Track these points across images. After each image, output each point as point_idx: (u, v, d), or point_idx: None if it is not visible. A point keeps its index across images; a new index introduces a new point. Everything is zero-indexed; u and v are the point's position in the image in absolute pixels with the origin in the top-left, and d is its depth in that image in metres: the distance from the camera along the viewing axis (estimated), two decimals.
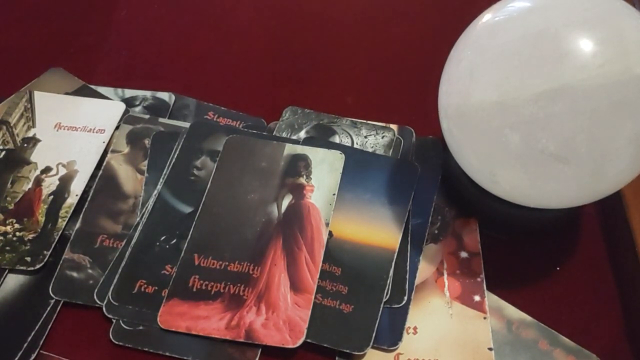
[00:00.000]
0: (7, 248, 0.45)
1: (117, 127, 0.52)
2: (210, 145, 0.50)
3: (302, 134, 0.52)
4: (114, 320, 0.42)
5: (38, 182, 0.48)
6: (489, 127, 0.38)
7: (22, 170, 0.49)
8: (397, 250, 0.45)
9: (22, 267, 0.44)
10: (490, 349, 0.42)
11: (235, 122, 0.54)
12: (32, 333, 0.42)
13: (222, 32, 0.62)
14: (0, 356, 0.41)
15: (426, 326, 0.42)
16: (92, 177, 0.49)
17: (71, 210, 0.47)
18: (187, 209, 0.47)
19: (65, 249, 0.45)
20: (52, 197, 0.47)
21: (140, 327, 0.42)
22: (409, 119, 0.53)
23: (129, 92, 0.55)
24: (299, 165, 0.49)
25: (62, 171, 0.49)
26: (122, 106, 0.53)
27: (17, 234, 0.46)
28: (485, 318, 0.43)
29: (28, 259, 0.44)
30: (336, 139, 0.52)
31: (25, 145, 0.50)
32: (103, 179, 0.49)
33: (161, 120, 0.52)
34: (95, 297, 0.43)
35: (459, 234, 0.47)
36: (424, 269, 0.45)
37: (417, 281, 0.44)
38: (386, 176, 0.48)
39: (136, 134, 0.51)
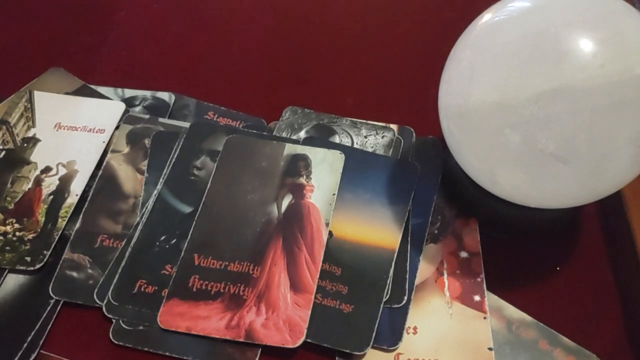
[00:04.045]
0: (7, 248, 0.45)
1: (117, 127, 0.52)
2: (210, 145, 0.50)
3: (302, 134, 0.52)
4: (114, 320, 0.42)
5: (38, 182, 0.48)
6: (489, 127, 0.38)
7: (22, 170, 0.49)
8: (397, 250, 0.45)
9: (22, 267, 0.44)
10: (490, 349, 0.42)
11: (235, 122, 0.54)
12: (32, 333, 0.42)
13: (222, 32, 0.62)
14: (0, 356, 0.41)
15: (426, 326, 0.42)
16: (92, 177, 0.49)
17: (71, 210, 0.47)
18: (187, 209, 0.47)
19: (65, 249, 0.45)
20: (52, 197, 0.47)
21: (140, 327, 0.42)
22: (409, 119, 0.53)
23: (129, 92, 0.55)
24: (299, 165, 0.49)
25: (62, 171, 0.49)
26: (122, 106, 0.53)
27: (17, 234, 0.46)
28: (485, 318, 0.43)
29: (28, 259, 0.44)
30: (336, 139, 0.52)
31: (25, 145, 0.50)
32: (103, 179, 0.49)
33: (161, 120, 0.52)
34: (95, 297, 0.43)
35: (459, 234, 0.47)
36: (424, 269, 0.45)
37: (417, 281, 0.44)
38: (386, 176, 0.48)
39: (136, 134, 0.51)
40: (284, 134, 0.52)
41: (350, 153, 0.49)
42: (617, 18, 0.36)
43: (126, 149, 0.50)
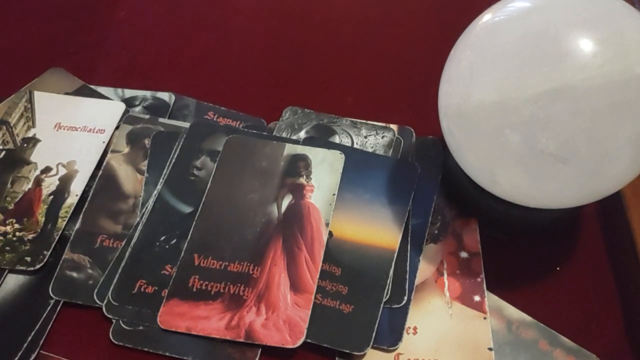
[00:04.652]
0: (7, 248, 0.45)
1: (117, 127, 0.52)
2: (210, 145, 0.50)
3: (302, 134, 0.52)
4: (114, 320, 0.42)
5: (38, 182, 0.48)
6: (489, 127, 0.38)
7: (22, 170, 0.49)
8: (397, 250, 0.45)
9: (22, 267, 0.44)
10: (490, 349, 0.42)
11: (235, 122, 0.54)
12: (32, 333, 0.42)
13: (222, 32, 0.62)
14: (0, 356, 0.41)
15: (426, 326, 0.42)
16: (92, 177, 0.49)
17: (71, 210, 0.47)
18: (187, 209, 0.47)
19: (65, 249, 0.45)
20: (52, 197, 0.47)
21: (140, 327, 0.42)
22: (409, 119, 0.53)
23: (129, 92, 0.55)
24: (299, 165, 0.49)
25: (62, 171, 0.49)
26: (122, 106, 0.53)
27: (17, 234, 0.46)
28: (485, 318, 0.43)
29: (28, 259, 0.44)
30: (336, 139, 0.52)
31: (25, 145, 0.50)
32: (103, 179, 0.49)
33: (161, 120, 0.52)
34: (95, 297, 0.43)
35: (459, 234, 0.47)
36: (424, 269, 0.45)
37: (417, 281, 0.44)
38: (386, 176, 0.48)
39: (136, 134, 0.51)
40: (284, 134, 0.52)
41: (350, 153, 0.49)
42: (617, 18, 0.36)
43: (126, 149, 0.50)
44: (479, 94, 0.38)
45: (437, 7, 0.64)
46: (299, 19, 0.63)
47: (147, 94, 0.55)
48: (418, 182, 0.48)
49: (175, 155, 0.50)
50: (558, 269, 0.46)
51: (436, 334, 0.42)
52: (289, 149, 0.50)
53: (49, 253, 0.45)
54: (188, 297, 0.42)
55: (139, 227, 0.46)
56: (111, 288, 0.43)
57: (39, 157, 0.50)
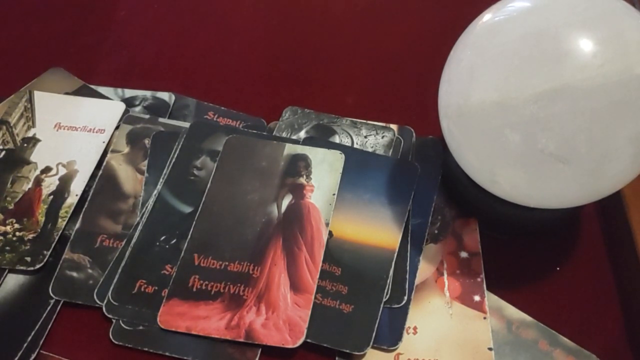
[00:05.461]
0: (7, 248, 0.45)
1: (117, 127, 0.52)
2: (210, 145, 0.50)
3: (302, 134, 0.52)
4: (114, 320, 0.42)
5: (38, 182, 0.48)
6: (489, 127, 0.38)
7: (22, 170, 0.49)
8: (397, 250, 0.45)
9: (22, 267, 0.44)
10: (490, 349, 0.42)
11: (235, 122, 0.54)
12: (32, 333, 0.42)
13: (222, 32, 0.62)
14: (0, 356, 0.41)
15: (426, 326, 0.42)
16: (92, 177, 0.49)
17: (71, 210, 0.47)
18: (187, 209, 0.47)
19: (65, 249, 0.45)
20: (52, 197, 0.47)
21: (140, 327, 0.42)
22: (409, 119, 0.53)
23: (129, 92, 0.55)
24: (299, 165, 0.49)
25: (62, 171, 0.49)
26: (122, 106, 0.53)
27: (17, 234, 0.46)
28: (485, 318, 0.43)
29: (28, 259, 0.44)
30: (336, 139, 0.52)
31: (25, 145, 0.50)
32: (103, 179, 0.49)
33: (161, 120, 0.52)
34: (95, 297, 0.43)
35: (459, 234, 0.47)
36: (424, 269, 0.45)
37: (417, 281, 0.44)
38: (386, 176, 0.48)
39: (136, 134, 0.51)
40: (284, 134, 0.52)
41: (350, 153, 0.49)
42: (617, 18, 0.36)
43: (126, 149, 0.50)
44: (479, 94, 0.38)
45: (437, 7, 0.64)
46: (299, 19, 0.63)
47: (147, 93, 0.55)
48: (418, 182, 0.48)
49: (175, 155, 0.50)
50: (558, 269, 0.46)
51: (436, 334, 0.42)
52: (289, 149, 0.50)
53: (49, 253, 0.45)
54: (188, 297, 0.42)
55: (139, 227, 0.46)
56: (111, 288, 0.43)
57: (39, 157, 0.50)
